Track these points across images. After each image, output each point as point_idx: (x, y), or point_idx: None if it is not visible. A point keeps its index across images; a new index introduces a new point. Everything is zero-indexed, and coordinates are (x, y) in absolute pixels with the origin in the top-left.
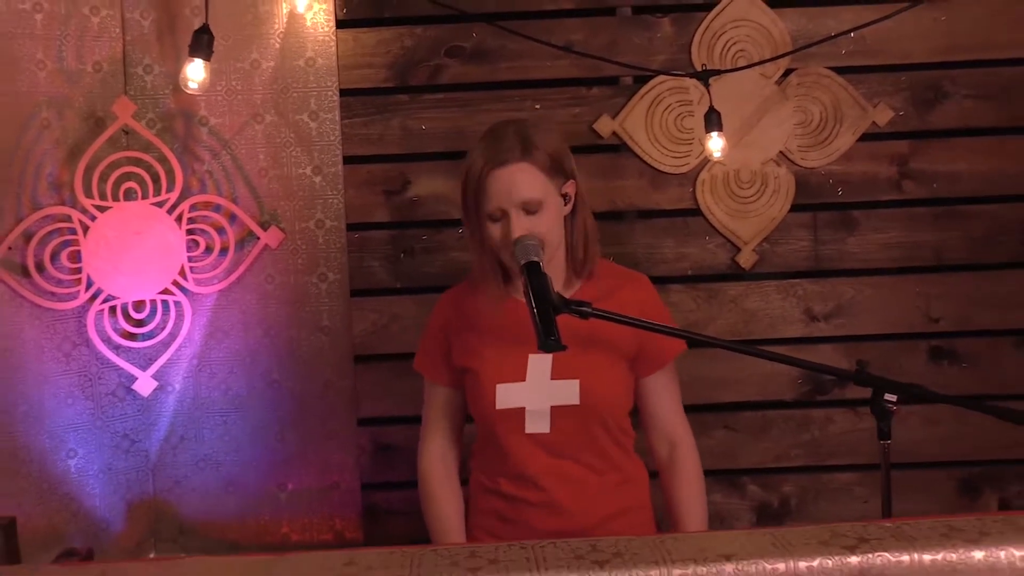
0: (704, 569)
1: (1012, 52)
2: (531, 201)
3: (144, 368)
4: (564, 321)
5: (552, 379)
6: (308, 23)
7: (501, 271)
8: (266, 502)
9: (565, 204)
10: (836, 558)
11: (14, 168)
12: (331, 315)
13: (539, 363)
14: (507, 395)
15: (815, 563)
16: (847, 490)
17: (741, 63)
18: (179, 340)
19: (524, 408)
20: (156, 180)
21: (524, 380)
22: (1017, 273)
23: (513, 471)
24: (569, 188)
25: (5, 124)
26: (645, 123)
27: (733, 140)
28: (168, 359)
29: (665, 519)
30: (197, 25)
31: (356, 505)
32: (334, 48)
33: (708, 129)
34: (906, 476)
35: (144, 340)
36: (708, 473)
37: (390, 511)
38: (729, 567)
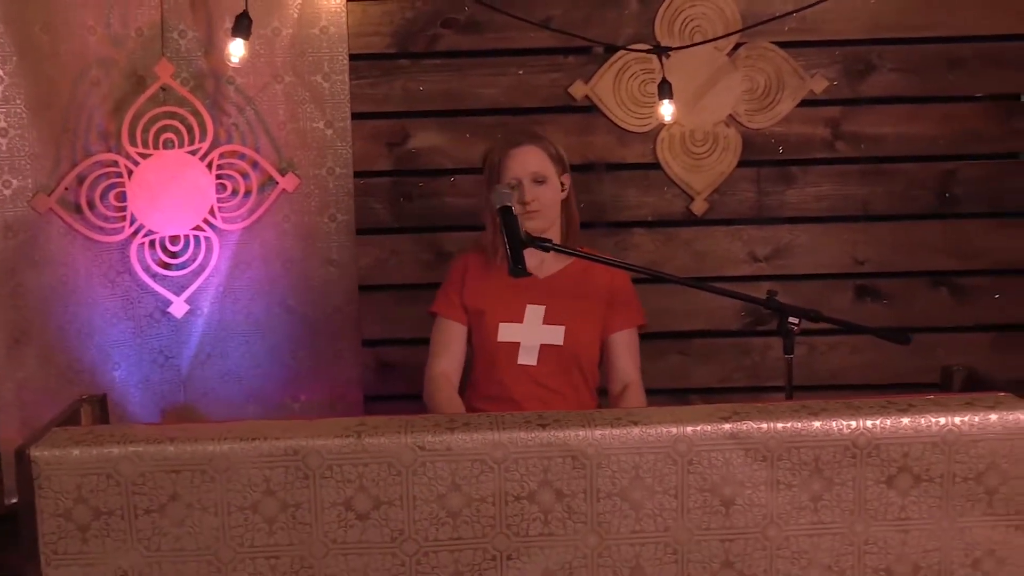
0: (617, 431)
1: (931, 31)
2: (539, 173)
3: (178, 294)
4: (555, 280)
5: (543, 324)
6: None
7: None
8: (281, 412)
9: (562, 191)
10: (714, 425)
11: (68, 120)
12: (339, 250)
13: (534, 311)
14: (506, 331)
15: (698, 428)
16: None
17: (697, 37)
18: (208, 270)
19: (519, 343)
20: (190, 131)
21: (521, 322)
22: (932, 223)
23: (502, 395)
24: (565, 179)
25: (61, 82)
26: (613, 88)
27: (689, 104)
28: (198, 286)
29: None
30: None
31: (359, 415)
32: (344, 18)
33: (660, 97)
34: (834, 397)
35: (178, 270)
36: (662, 391)
37: None
38: (636, 430)
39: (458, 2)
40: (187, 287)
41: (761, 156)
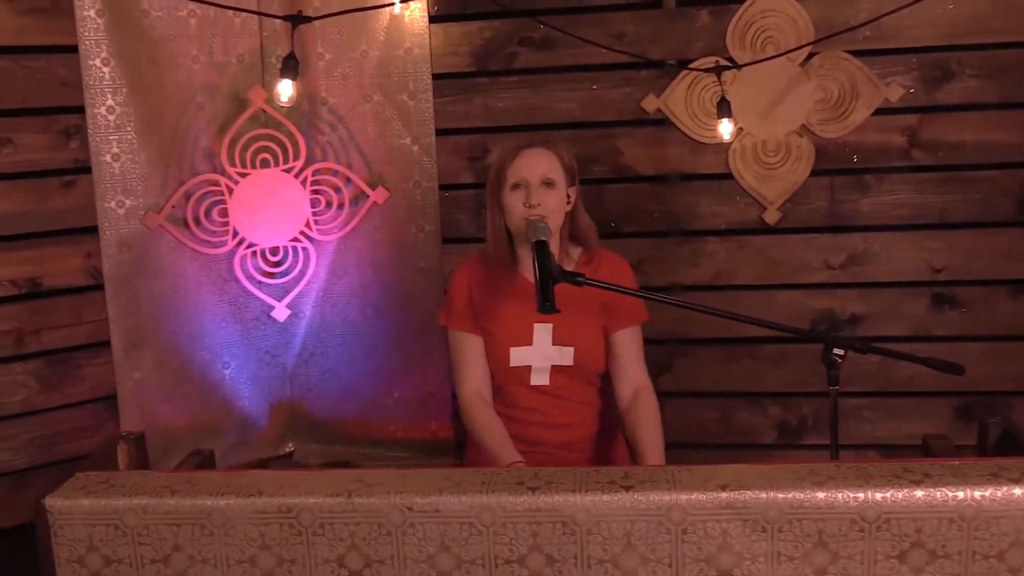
0: (608, 497)
1: (1010, 36)
2: (549, 178)
3: (280, 299)
4: (559, 290)
5: (552, 344)
6: (406, 19)
7: (510, 251)
8: (377, 406)
9: (568, 202)
10: (710, 493)
11: (175, 143)
12: (427, 258)
13: (542, 331)
14: (518, 356)
15: (693, 496)
16: (856, 412)
17: (769, 48)
18: (307, 277)
19: (531, 366)
20: (285, 151)
21: (531, 344)
22: (1011, 231)
23: (521, 405)
24: (572, 192)
25: (167, 109)
26: (685, 101)
27: (761, 115)
28: (299, 292)
29: (631, 451)
30: (320, 25)
31: (447, 410)
32: (427, 39)
33: (719, 115)
34: (909, 403)
35: (280, 277)
36: (736, 395)
37: None
38: (627, 496)
39: (534, 21)
40: (288, 293)
41: (835, 165)
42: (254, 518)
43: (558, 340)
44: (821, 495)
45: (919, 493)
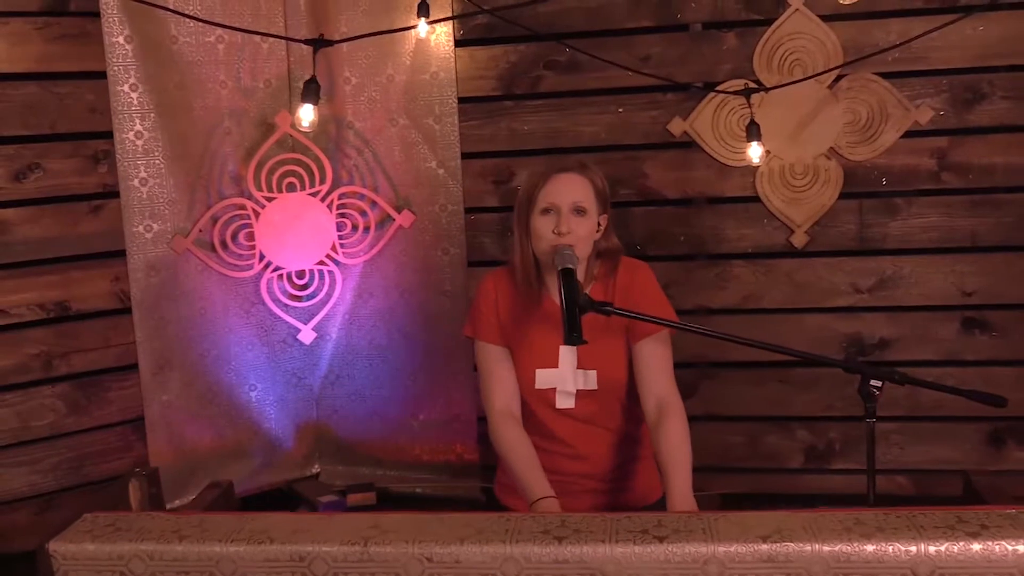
0: (640, 549)
1: None
2: (581, 205)
3: (306, 322)
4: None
5: (577, 368)
6: (432, 43)
7: (536, 274)
8: (403, 428)
9: (597, 231)
10: (750, 545)
11: (202, 168)
12: (452, 281)
13: (568, 353)
14: (543, 378)
15: (731, 548)
16: (885, 437)
17: (797, 71)
18: (332, 300)
19: (555, 388)
20: (311, 175)
21: (557, 367)
22: None
23: (545, 432)
24: (603, 220)
25: (197, 133)
26: (712, 124)
27: (789, 138)
28: (325, 315)
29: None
30: (347, 49)
31: (473, 433)
32: (453, 63)
33: (749, 139)
34: (939, 427)
35: (306, 301)
36: (763, 419)
37: None
38: (661, 548)
39: (559, 45)
40: (315, 316)
41: (864, 188)
42: (264, 566)
43: (582, 363)
44: (870, 548)
45: (976, 546)
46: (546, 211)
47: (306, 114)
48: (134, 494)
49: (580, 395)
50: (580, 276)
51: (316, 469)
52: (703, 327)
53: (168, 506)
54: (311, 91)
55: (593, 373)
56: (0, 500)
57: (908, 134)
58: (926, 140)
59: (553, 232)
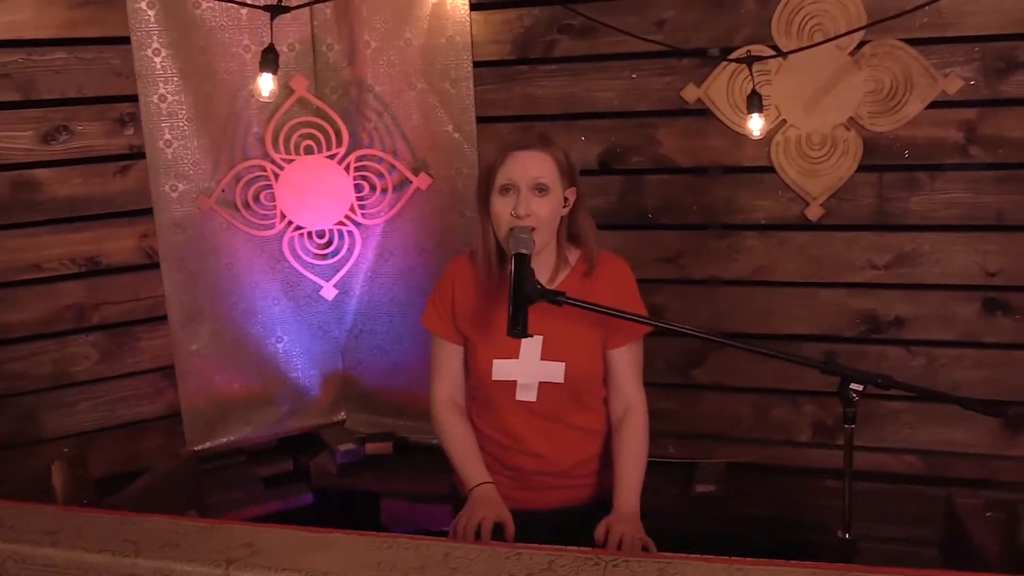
0: None
1: None
2: (542, 183)
3: (328, 279)
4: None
5: (541, 359)
6: (448, 6)
7: (499, 257)
8: (422, 382)
9: (564, 206)
10: None
11: (227, 130)
12: (469, 243)
13: (531, 344)
14: (501, 369)
15: None
16: (896, 416)
17: (818, 36)
18: (353, 258)
19: (516, 381)
20: (328, 138)
21: (517, 358)
22: None
23: (503, 427)
24: (570, 194)
25: (221, 96)
26: (727, 91)
27: (807, 106)
28: (346, 272)
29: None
30: (366, 13)
31: None
32: (468, 28)
33: (749, 111)
34: (953, 409)
35: (329, 259)
36: (772, 391)
37: None
38: None
39: (573, 9)
40: (336, 273)
41: (884, 161)
42: None
43: (548, 355)
44: None
45: None
46: (505, 190)
47: (265, 83)
48: (57, 479)
49: (544, 389)
50: (550, 261)
51: (342, 416)
52: (686, 327)
53: (197, 448)
54: (269, 60)
55: (561, 366)
56: (43, 439)
57: (934, 104)
58: (954, 111)
59: (511, 214)
